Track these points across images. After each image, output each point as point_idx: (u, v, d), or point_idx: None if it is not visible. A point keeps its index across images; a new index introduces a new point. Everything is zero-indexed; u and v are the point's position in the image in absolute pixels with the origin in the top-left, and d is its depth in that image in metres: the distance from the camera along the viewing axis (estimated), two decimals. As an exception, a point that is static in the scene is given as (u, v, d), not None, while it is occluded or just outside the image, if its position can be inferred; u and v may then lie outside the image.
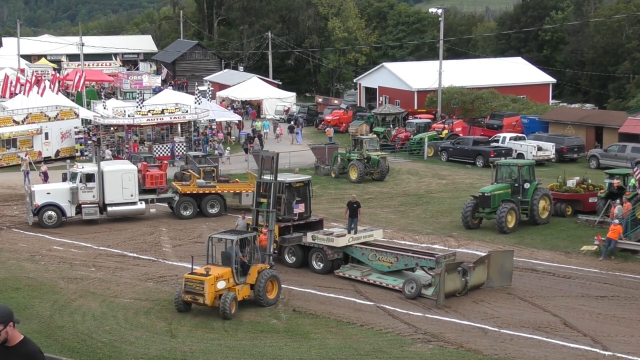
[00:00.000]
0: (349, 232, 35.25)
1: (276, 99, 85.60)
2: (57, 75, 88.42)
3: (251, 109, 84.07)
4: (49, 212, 42.70)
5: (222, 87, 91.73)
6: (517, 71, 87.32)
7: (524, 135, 63.45)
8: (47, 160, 57.86)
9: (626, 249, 37.07)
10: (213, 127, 66.63)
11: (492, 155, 56.26)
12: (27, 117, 59.53)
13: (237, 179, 49.11)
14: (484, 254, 34.03)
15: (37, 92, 64.78)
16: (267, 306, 30.79)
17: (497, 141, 61.34)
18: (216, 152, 61.99)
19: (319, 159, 57.65)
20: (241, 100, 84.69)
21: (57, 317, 29.97)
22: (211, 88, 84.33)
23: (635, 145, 55.68)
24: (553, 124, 66.99)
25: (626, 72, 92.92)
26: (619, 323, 28.97)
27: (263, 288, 30.70)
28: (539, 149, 59.06)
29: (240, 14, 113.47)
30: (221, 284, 29.83)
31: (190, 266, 30.63)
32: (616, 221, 37.57)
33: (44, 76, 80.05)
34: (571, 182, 46.12)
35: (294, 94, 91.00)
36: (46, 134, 59.68)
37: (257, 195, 33.49)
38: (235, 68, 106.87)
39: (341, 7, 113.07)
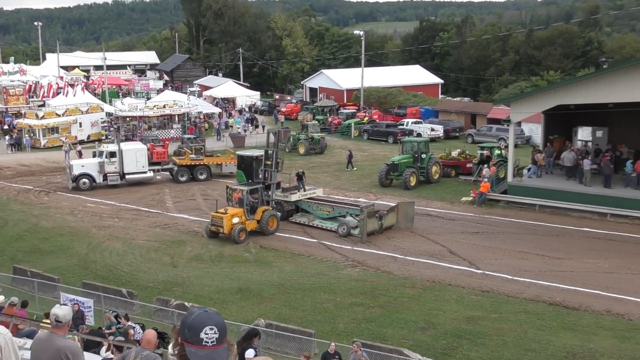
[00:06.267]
0: (298, 191, 35.40)
1: (246, 97, 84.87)
2: (86, 81, 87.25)
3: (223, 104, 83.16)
4: (84, 180, 42.24)
5: (207, 88, 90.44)
6: (416, 75, 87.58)
7: (422, 120, 63.83)
8: (81, 142, 56.89)
9: (492, 199, 37.66)
10: (201, 117, 66.16)
11: (399, 135, 56.48)
12: (65, 111, 58.45)
13: (218, 154, 48.83)
14: (393, 204, 34.40)
15: (73, 94, 63.69)
16: (268, 235, 32.04)
17: (402, 125, 61.72)
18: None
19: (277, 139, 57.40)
20: (221, 98, 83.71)
21: (91, 254, 29.82)
22: (199, 89, 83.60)
23: (499, 126, 56.38)
24: (442, 112, 67.47)
25: (492, 75, 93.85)
26: (487, 250, 29.58)
27: (266, 222, 32.09)
28: (432, 129, 59.48)
29: (219, 36, 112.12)
30: (235, 220, 31.26)
31: (188, 217, 30.47)
32: (485, 180, 38.20)
33: (77, 82, 78.58)
34: (454, 153, 46.68)
35: (258, 92, 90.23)
36: (80, 123, 58.70)
37: (265, 159, 33.63)
38: (216, 74, 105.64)
39: (291, 30, 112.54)
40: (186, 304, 21.75)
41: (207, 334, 3.50)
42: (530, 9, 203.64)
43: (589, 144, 42.20)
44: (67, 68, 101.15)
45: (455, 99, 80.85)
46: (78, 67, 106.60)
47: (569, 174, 38.03)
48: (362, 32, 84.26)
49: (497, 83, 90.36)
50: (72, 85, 69.19)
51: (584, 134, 43.48)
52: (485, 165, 41.03)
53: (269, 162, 33.31)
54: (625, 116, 37.46)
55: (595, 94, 34.13)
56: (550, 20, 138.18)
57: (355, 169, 47.60)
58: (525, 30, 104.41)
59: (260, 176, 33.69)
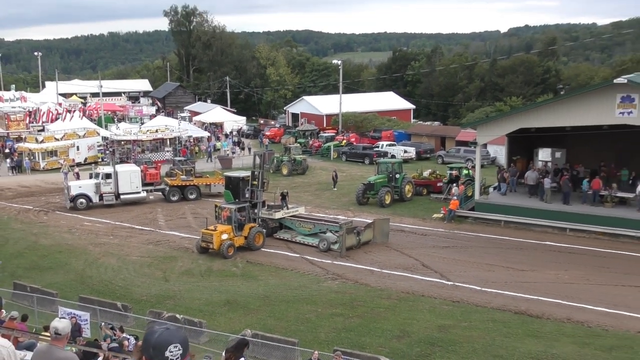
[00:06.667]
0: (282, 209, 35.34)
1: (232, 121, 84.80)
2: (83, 107, 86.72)
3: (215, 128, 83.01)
4: (81, 199, 41.88)
5: (196, 113, 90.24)
6: (390, 101, 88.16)
7: (395, 142, 64.18)
8: (79, 164, 56.50)
9: (461, 216, 37.85)
10: (191, 140, 65.95)
11: (375, 156, 56.66)
12: (64, 135, 58.11)
13: (207, 175, 48.71)
14: (370, 221, 34.46)
15: (70, 120, 63.39)
16: (255, 250, 31.77)
17: (378, 147, 61.94)
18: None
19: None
20: (209, 122, 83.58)
21: (88, 270, 29.50)
22: (189, 115, 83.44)
23: (466, 148, 56.83)
24: (414, 135, 67.90)
25: (459, 101, 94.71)
26: (457, 263, 29.65)
27: (252, 238, 31.88)
28: (405, 151, 59.79)
29: (208, 65, 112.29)
30: (224, 236, 31.04)
31: (179, 234, 30.31)
32: (455, 198, 38.40)
33: (75, 108, 78.14)
34: (426, 173, 46.89)
35: (244, 117, 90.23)
36: (77, 146, 58.33)
37: (251, 179, 33.55)
38: (205, 100, 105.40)
39: (275, 59, 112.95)
40: (177, 316, 21.59)
41: (172, 351, 3.40)
42: (494, 40, 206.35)
43: (549, 164, 42.63)
44: (65, 95, 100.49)
45: (426, 123, 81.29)
46: (76, 94, 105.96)
47: (531, 191, 38.36)
48: (339, 62, 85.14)
49: (465, 108, 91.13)
50: (70, 111, 68.88)
51: (544, 154, 43.92)
52: (455, 184, 41.25)
53: (255, 182, 33.32)
54: (581, 138, 37.96)
55: (554, 118, 34.56)
56: (512, 51, 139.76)
57: (335, 189, 47.67)
58: (489, 60, 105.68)
59: (247, 195, 33.68)
